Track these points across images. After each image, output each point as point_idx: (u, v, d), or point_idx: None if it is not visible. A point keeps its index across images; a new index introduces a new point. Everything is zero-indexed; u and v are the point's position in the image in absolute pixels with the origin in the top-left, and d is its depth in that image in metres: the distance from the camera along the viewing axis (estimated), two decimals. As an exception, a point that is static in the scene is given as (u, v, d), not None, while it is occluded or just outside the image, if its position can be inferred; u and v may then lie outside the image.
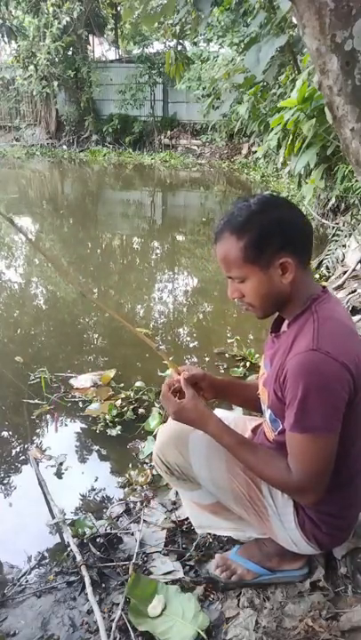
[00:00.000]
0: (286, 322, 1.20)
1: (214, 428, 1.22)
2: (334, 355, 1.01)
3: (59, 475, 2.12)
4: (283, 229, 1.08)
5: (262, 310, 1.17)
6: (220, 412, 1.53)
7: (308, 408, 1.03)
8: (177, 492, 1.83)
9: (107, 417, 2.41)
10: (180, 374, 1.30)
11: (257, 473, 1.20)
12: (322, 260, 4.36)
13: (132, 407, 2.49)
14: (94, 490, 2.03)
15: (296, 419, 1.05)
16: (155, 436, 1.95)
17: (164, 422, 1.68)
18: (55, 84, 13.58)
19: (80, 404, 2.56)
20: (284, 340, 1.15)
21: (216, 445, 1.27)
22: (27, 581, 1.57)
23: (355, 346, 1.06)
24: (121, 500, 1.94)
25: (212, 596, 1.43)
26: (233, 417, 1.53)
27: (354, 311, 3.18)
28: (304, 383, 1.02)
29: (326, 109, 2.49)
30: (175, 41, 7.45)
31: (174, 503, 1.84)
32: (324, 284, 3.75)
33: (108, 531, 1.71)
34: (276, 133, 4.12)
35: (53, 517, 1.83)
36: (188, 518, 1.65)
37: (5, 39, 13.92)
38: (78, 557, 1.58)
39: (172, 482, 1.42)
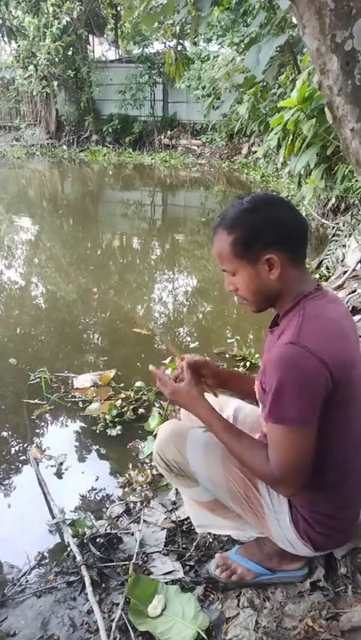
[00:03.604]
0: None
1: (205, 413, 1.27)
2: (313, 350, 1.02)
3: (59, 475, 2.12)
4: (271, 227, 1.12)
5: (255, 304, 1.21)
6: (236, 402, 1.56)
7: (282, 399, 1.05)
8: (177, 492, 1.83)
9: (107, 417, 2.41)
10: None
11: (240, 460, 1.22)
12: (322, 260, 4.36)
13: (132, 407, 2.49)
14: (94, 490, 2.03)
15: (270, 409, 1.07)
16: (155, 436, 1.95)
17: (164, 422, 1.68)
18: (55, 83, 13.57)
19: (80, 404, 2.56)
20: (275, 335, 1.18)
21: (213, 443, 1.30)
22: (27, 581, 1.57)
23: (340, 344, 1.08)
24: (121, 499, 1.94)
25: (212, 596, 1.43)
26: (250, 407, 1.54)
27: (354, 311, 3.18)
28: (279, 375, 1.04)
29: (326, 109, 2.50)
30: (175, 41, 7.47)
31: (174, 503, 1.84)
32: (324, 283, 3.74)
33: (108, 531, 1.71)
34: (276, 133, 4.12)
35: (53, 517, 1.83)
36: (188, 518, 1.66)
37: (5, 39, 13.90)
38: (78, 557, 1.58)
39: (171, 479, 1.43)
